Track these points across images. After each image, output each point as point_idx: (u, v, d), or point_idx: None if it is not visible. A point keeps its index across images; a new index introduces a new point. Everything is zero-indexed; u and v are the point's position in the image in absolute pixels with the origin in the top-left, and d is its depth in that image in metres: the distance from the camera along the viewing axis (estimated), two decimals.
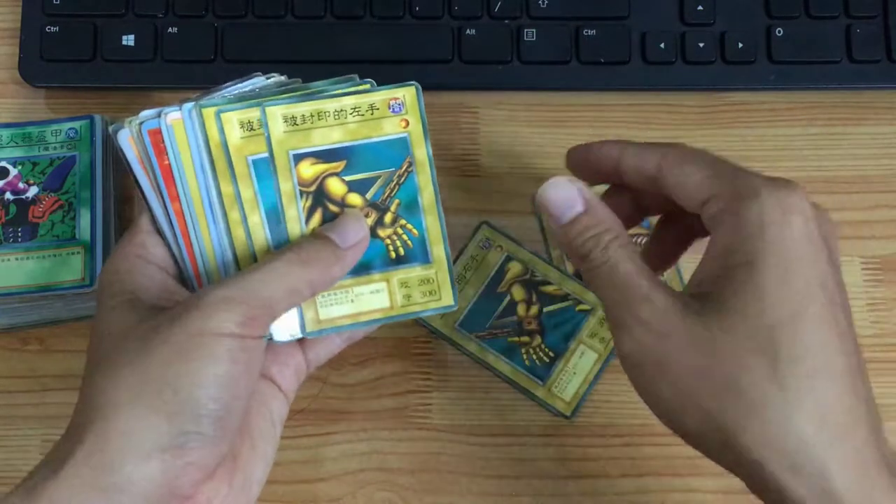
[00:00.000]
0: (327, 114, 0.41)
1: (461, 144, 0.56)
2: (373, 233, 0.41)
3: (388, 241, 0.42)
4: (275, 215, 0.40)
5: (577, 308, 0.51)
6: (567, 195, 0.40)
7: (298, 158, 0.41)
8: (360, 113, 0.41)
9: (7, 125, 0.52)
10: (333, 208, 0.41)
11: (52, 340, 0.51)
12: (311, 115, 0.41)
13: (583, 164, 0.43)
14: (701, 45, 0.55)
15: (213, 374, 0.35)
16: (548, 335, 0.51)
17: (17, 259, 0.49)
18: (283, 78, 0.44)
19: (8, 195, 0.50)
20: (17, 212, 0.50)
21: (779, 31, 0.55)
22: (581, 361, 0.50)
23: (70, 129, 0.52)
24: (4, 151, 0.51)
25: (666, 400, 0.36)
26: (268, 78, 0.43)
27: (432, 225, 0.42)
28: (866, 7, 0.56)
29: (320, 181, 0.41)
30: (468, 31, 0.55)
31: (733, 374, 0.34)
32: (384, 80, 0.55)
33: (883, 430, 0.35)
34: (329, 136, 0.41)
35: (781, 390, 0.34)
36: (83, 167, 0.51)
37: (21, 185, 0.51)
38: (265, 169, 0.40)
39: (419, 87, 0.42)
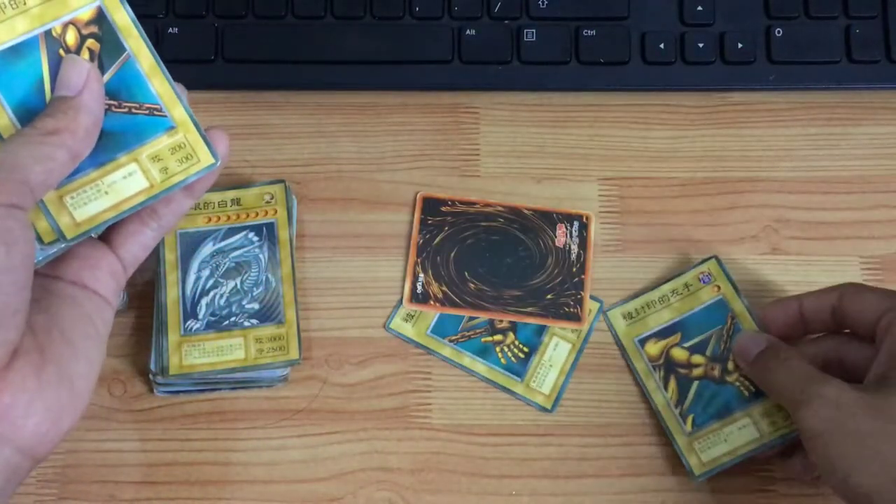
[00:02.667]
0: (654, 304, 0.51)
1: (461, 144, 0.56)
2: None
3: None
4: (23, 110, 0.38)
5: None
6: (753, 339, 0.48)
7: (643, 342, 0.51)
8: (678, 293, 0.51)
9: None
10: (682, 371, 0.50)
11: None
12: (643, 310, 0.51)
13: (771, 321, 0.49)
14: (701, 45, 0.55)
15: None
16: (520, 331, 0.51)
17: None
18: None
19: None
20: None
21: (778, 32, 0.55)
22: (556, 353, 0.51)
23: None
24: None
25: (848, 460, 0.41)
26: None
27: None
28: (866, 7, 0.56)
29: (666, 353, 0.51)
30: (468, 32, 0.55)
31: None
32: (384, 81, 0.55)
33: None
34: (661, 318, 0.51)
35: None
36: None
37: None
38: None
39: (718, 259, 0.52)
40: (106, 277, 0.41)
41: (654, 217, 0.54)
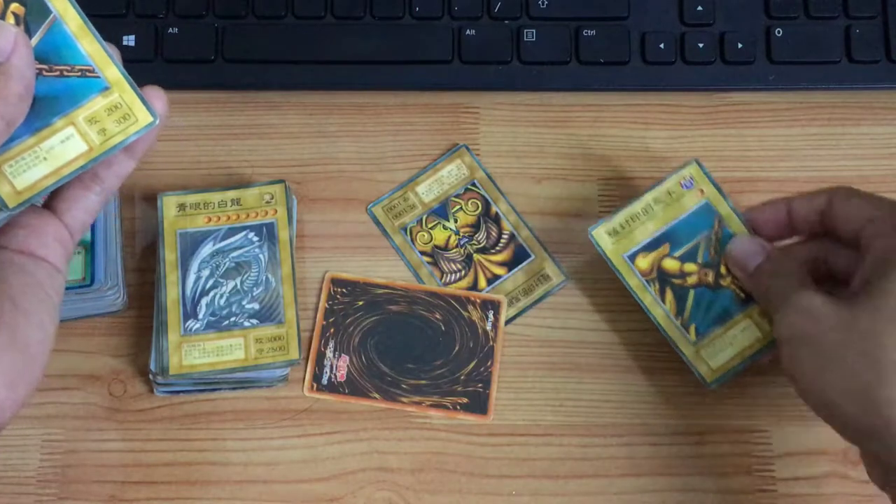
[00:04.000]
0: (639, 216, 0.49)
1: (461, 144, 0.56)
2: None
3: None
4: None
5: None
6: (751, 248, 0.48)
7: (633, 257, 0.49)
8: (661, 202, 0.50)
9: None
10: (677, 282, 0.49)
11: None
12: (627, 224, 0.49)
13: (759, 223, 0.49)
14: (700, 45, 0.55)
15: None
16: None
17: None
18: None
19: None
20: None
21: (778, 32, 0.55)
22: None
23: None
24: None
25: (812, 369, 0.42)
26: None
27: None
28: (866, 7, 0.56)
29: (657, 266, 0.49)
30: (468, 32, 0.55)
31: (877, 343, 0.40)
32: (384, 81, 0.55)
33: None
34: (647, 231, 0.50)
35: None
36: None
37: None
38: None
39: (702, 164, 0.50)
40: (53, 244, 0.40)
41: None
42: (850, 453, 0.50)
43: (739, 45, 0.55)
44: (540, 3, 0.56)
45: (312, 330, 0.52)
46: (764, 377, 0.51)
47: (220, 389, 0.50)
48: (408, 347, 0.51)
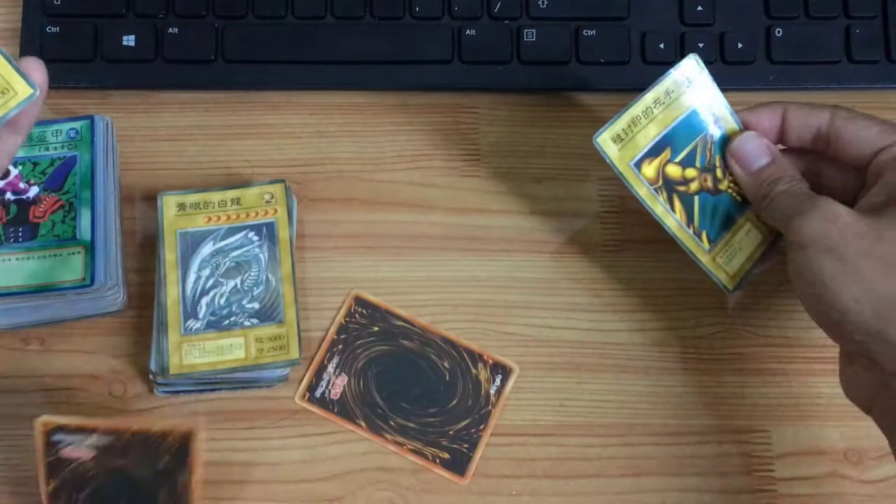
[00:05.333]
0: (640, 119, 0.47)
1: (461, 144, 0.56)
2: None
3: None
4: None
5: None
6: (757, 147, 0.47)
7: (638, 165, 0.47)
8: (661, 103, 0.48)
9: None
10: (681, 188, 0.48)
11: (52, 340, 0.51)
12: (630, 128, 0.47)
13: (752, 127, 0.48)
14: (700, 45, 0.55)
15: None
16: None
17: (17, 259, 0.49)
18: None
19: (9, 195, 0.50)
20: (17, 212, 0.50)
21: (778, 32, 0.55)
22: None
23: (71, 129, 0.52)
24: None
25: (829, 273, 0.42)
26: None
27: None
28: (866, 7, 0.56)
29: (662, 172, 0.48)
30: (468, 32, 0.55)
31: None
32: (384, 81, 0.55)
33: None
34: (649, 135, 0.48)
35: None
36: (84, 167, 0.51)
37: (22, 185, 0.51)
38: None
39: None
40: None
41: None
42: (849, 453, 0.50)
43: (739, 45, 0.55)
44: (540, 3, 0.56)
45: (322, 338, 0.52)
46: (764, 377, 0.51)
47: (220, 389, 0.50)
48: (408, 386, 0.51)
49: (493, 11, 0.56)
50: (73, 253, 0.49)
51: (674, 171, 0.48)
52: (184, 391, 0.50)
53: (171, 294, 0.49)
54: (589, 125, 0.56)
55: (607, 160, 0.47)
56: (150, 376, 0.49)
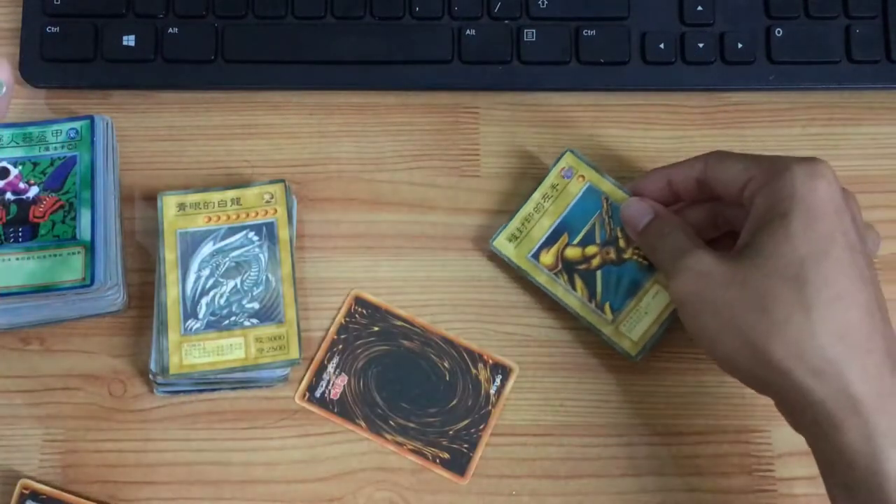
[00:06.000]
0: (532, 216, 0.51)
1: (461, 144, 0.56)
2: None
3: None
4: None
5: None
6: (639, 209, 0.50)
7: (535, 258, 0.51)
8: (549, 197, 0.52)
9: (8, 125, 0.52)
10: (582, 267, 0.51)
11: (52, 340, 0.51)
12: (523, 226, 0.51)
13: (645, 194, 0.51)
14: (700, 45, 0.55)
15: None
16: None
17: (17, 259, 0.49)
18: None
19: (9, 195, 0.50)
20: (17, 212, 0.50)
21: (778, 32, 0.55)
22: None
23: (71, 129, 0.52)
24: (5, 151, 0.51)
25: (709, 329, 0.44)
26: None
27: None
28: (866, 7, 0.56)
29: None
30: (468, 32, 0.55)
31: (765, 299, 0.42)
32: (384, 81, 0.55)
33: None
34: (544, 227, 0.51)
35: (806, 310, 0.41)
36: (84, 167, 0.51)
37: (22, 185, 0.51)
38: None
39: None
40: None
41: None
42: None
43: (739, 45, 0.55)
44: (540, 3, 0.56)
45: (322, 338, 0.52)
46: None
47: (220, 389, 0.50)
48: (408, 386, 0.51)
49: (493, 11, 0.56)
50: (73, 253, 0.49)
51: (573, 252, 0.51)
52: (184, 391, 0.50)
53: (171, 294, 0.49)
54: (589, 125, 0.56)
55: (506, 259, 0.51)
56: (150, 376, 0.49)
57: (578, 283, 0.51)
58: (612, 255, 0.51)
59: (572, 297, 0.50)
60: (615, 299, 0.50)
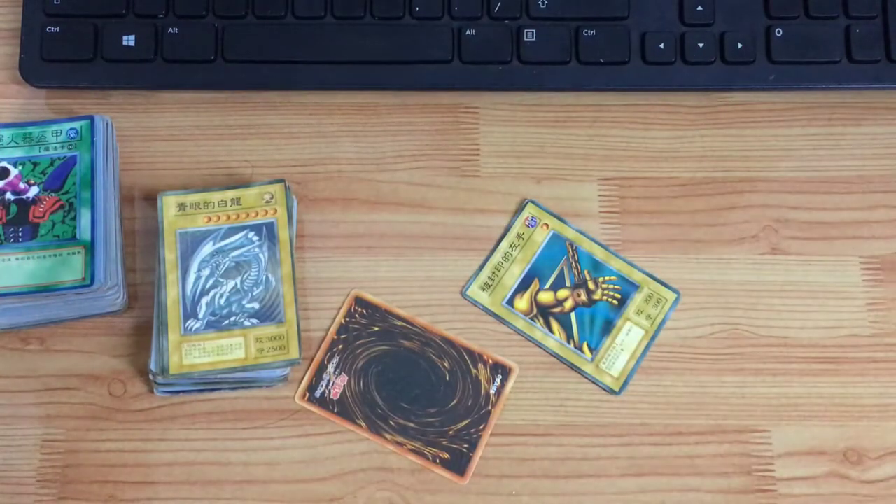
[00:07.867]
0: (501, 264, 0.53)
1: (461, 144, 0.56)
2: None
3: None
4: None
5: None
6: None
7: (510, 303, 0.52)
8: (516, 245, 0.53)
9: (8, 125, 0.52)
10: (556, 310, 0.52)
11: (52, 340, 0.51)
12: (494, 274, 0.52)
13: None
14: (700, 45, 0.55)
15: None
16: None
17: (17, 259, 0.49)
18: None
19: (9, 195, 0.50)
20: (17, 212, 0.50)
21: (778, 32, 0.55)
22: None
23: (71, 129, 0.52)
24: (5, 151, 0.51)
25: None
26: None
27: None
28: (866, 7, 0.56)
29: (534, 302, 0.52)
30: (468, 32, 0.55)
31: None
32: (384, 81, 0.55)
33: None
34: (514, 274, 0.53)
35: None
36: (84, 167, 0.51)
37: (22, 185, 0.51)
38: None
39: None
40: None
41: (654, 217, 0.54)
42: (849, 453, 0.50)
43: (739, 45, 0.55)
44: (540, 3, 0.56)
45: (322, 338, 0.52)
46: (764, 377, 0.51)
47: (220, 389, 0.50)
48: (408, 386, 0.51)
49: (493, 11, 0.56)
50: (73, 253, 0.49)
51: (546, 297, 0.52)
52: (184, 391, 0.50)
53: (171, 294, 0.49)
54: (589, 125, 0.56)
55: (481, 307, 0.52)
56: (150, 376, 0.49)
57: (555, 325, 0.52)
58: (584, 297, 0.52)
59: (551, 340, 0.51)
60: (591, 338, 0.51)
